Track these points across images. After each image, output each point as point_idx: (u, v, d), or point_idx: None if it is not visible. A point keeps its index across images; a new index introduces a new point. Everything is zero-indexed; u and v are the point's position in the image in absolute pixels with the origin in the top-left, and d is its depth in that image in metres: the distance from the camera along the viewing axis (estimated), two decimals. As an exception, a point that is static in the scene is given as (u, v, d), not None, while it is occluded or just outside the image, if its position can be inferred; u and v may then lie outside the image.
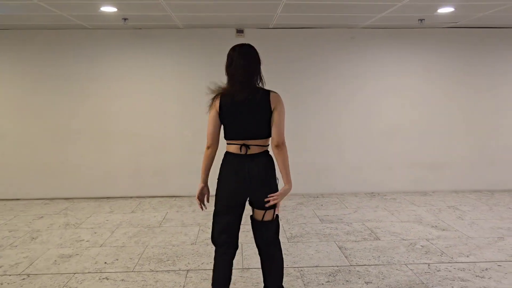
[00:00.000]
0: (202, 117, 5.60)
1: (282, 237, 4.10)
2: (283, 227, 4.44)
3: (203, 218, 4.78)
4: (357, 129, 5.90)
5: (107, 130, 5.70)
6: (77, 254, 3.70)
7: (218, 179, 2.55)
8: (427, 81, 5.88)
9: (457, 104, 5.93)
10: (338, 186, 5.97)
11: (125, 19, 4.85)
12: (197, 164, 5.77)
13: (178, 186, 5.84)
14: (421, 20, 5.08)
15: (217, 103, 2.46)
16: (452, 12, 4.70)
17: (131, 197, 5.79)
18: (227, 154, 2.52)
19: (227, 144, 2.51)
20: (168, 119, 5.76)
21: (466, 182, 6.05)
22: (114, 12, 4.49)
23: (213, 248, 2.61)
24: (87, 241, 4.05)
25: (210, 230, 4.38)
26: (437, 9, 4.55)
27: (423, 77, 5.87)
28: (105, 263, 3.51)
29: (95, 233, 4.29)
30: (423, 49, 5.83)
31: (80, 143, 5.70)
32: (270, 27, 5.58)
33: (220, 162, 2.55)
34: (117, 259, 3.58)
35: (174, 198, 5.74)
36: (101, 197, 5.77)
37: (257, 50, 2.54)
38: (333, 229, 4.39)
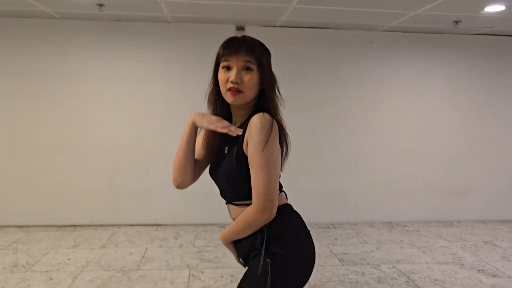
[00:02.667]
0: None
1: None
2: (296, 271, 3.50)
3: (193, 257, 3.80)
4: (373, 149, 5.05)
5: (75, 142, 4.65)
6: (21, 317, 2.66)
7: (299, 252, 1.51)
8: (454, 94, 5.10)
9: (487, 122, 5.17)
10: (350, 214, 5.08)
11: (100, 5, 3.89)
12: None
13: (161, 212, 4.82)
14: (456, 22, 4.31)
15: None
16: (499, 13, 3.94)
17: (102, 226, 4.73)
18: (291, 210, 1.60)
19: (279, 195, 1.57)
20: (152, 130, 4.76)
21: (494, 211, 5.27)
22: (87, -7, 3.53)
23: None
24: (38, 293, 3.01)
25: (203, 276, 3.43)
26: (484, 7, 3.78)
27: (450, 90, 5.09)
28: (60, 333, 2.49)
29: (51, 279, 3.24)
30: (451, 59, 5.06)
31: (40, 157, 4.62)
32: (277, 25, 4.71)
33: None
34: (77, 326, 2.56)
35: (155, 228, 4.71)
36: (64, 225, 4.69)
37: None
38: (360, 274, 3.48)
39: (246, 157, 1.44)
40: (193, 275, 3.40)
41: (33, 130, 4.60)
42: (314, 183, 5.00)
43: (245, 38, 1.53)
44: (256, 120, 1.40)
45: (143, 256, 3.81)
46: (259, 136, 1.38)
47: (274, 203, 1.41)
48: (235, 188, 1.52)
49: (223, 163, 1.53)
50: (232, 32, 4.76)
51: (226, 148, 1.54)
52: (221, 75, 1.49)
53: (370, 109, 5.01)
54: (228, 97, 1.49)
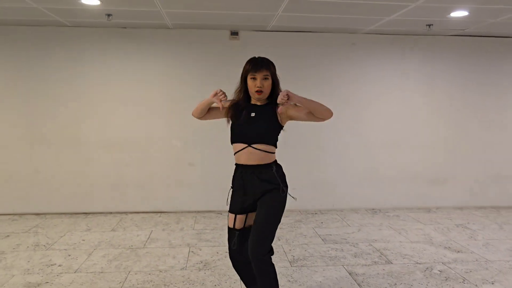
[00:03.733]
0: (193, 125, 5.17)
1: (283, 261, 3.66)
2: (282, 248, 3.98)
3: (193, 238, 4.29)
4: (357, 141, 5.52)
5: (85, 137, 5.16)
6: (46, 282, 3.15)
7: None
8: (431, 91, 5.56)
9: (462, 117, 5.62)
10: (337, 201, 5.55)
11: (108, 15, 4.37)
12: (185, 177, 5.31)
13: (164, 201, 5.32)
14: (429, 25, 4.76)
15: None
16: (464, 17, 4.39)
17: (111, 213, 5.23)
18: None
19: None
20: (155, 127, 5.26)
21: (471, 198, 5.72)
22: (97, 6, 4.01)
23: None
24: (59, 265, 3.50)
25: (201, 252, 3.91)
26: (450, 12, 4.23)
27: (427, 86, 5.55)
28: (80, 294, 2.98)
29: (69, 256, 3.74)
30: (428, 57, 5.52)
31: (54, 151, 5.13)
32: (267, 29, 5.18)
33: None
34: (94, 289, 3.06)
35: (159, 215, 5.21)
36: (77, 212, 5.20)
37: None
38: (339, 250, 3.95)
39: (277, 122, 2.50)
40: (192, 251, 3.89)
41: (49, 127, 5.10)
42: (304, 173, 5.46)
43: (262, 60, 2.47)
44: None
45: (149, 237, 4.31)
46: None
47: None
48: (264, 139, 2.44)
49: (256, 122, 2.46)
50: (226, 37, 5.24)
51: (253, 113, 2.47)
52: (250, 82, 2.44)
53: (354, 104, 5.47)
54: (256, 95, 2.45)
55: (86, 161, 5.18)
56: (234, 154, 2.49)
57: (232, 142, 2.51)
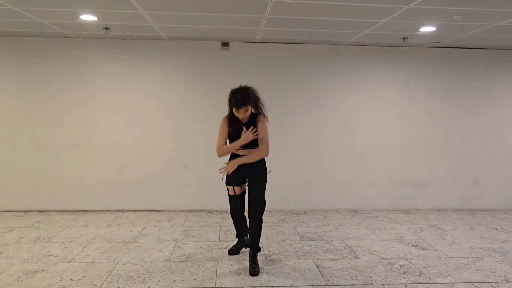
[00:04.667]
0: (186, 129, 5.56)
1: (259, 255, 4.01)
2: (261, 243, 4.34)
3: (181, 234, 4.66)
4: (340, 146, 5.86)
5: (86, 140, 5.58)
6: (43, 270, 3.55)
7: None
8: (410, 99, 5.88)
9: (440, 123, 5.93)
10: (321, 202, 5.89)
11: (106, 29, 4.79)
12: (178, 178, 5.71)
13: (158, 200, 5.71)
14: (404, 38, 5.10)
15: None
16: (434, 32, 4.72)
17: (109, 211, 5.64)
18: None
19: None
20: (150, 131, 5.66)
21: (449, 201, 6.02)
22: (95, 21, 4.43)
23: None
24: (55, 256, 3.90)
25: (186, 246, 4.28)
26: (419, 28, 4.56)
27: (406, 95, 5.88)
28: (71, 279, 3.36)
29: (66, 248, 4.14)
30: (407, 68, 5.85)
31: (57, 153, 5.56)
32: (255, 41, 5.55)
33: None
34: (84, 276, 3.44)
35: (153, 213, 5.60)
36: (77, 210, 5.62)
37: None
38: (313, 246, 4.29)
39: (256, 132, 3.52)
40: (178, 246, 4.26)
41: (52, 130, 5.53)
42: (290, 175, 5.82)
43: (242, 99, 3.39)
44: (261, 117, 3.59)
45: (140, 232, 4.69)
46: (265, 124, 3.56)
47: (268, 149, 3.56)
48: (253, 143, 3.52)
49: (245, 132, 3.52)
50: (218, 48, 5.63)
51: (244, 128, 3.50)
52: (235, 112, 3.46)
53: (337, 112, 5.82)
54: (240, 118, 3.54)
55: (87, 162, 5.59)
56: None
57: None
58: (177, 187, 5.71)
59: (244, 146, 3.54)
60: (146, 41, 5.55)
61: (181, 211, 5.70)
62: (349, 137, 5.86)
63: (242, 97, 3.37)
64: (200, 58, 5.64)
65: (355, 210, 5.89)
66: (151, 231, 4.76)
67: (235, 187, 3.72)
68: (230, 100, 3.44)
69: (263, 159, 3.62)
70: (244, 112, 3.41)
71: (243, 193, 3.79)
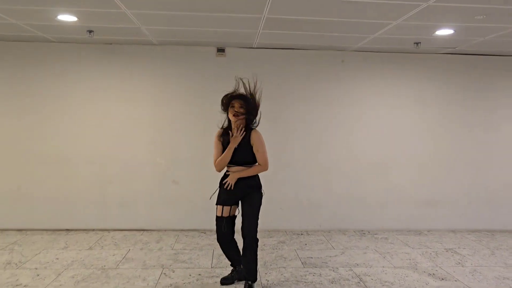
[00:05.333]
0: (177, 142, 5.11)
1: (256, 285, 3.52)
2: (258, 271, 3.85)
3: (169, 258, 4.18)
4: (346, 161, 5.39)
5: (69, 154, 5.12)
6: (6, 305, 3.07)
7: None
8: (422, 111, 5.43)
9: (454, 137, 5.47)
10: (324, 222, 5.40)
11: (90, 32, 4.37)
12: (169, 195, 5.22)
13: (147, 219, 5.23)
14: (417, 43, 4.67)
15: None
16: (451, 35, 4.29)
17: (93, 230, 5.16)
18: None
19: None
20: (138, 144, 5.20)
21: (464, 221, 5.53)
22: (75, 22, 4.01)
23: None
24: (24, 286, 3.42)
25: (174, 274, 3.79)
26: (435, 31, 4.13)
27: (418, 106, 5.43)
28: (37, 318, 2.89)
29: (38, 275, 3.66)
30: (419, 76, 5.41)
31: (38, 167, 5.10)
32: (253, 46, 5.13)
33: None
34: (52, 313, 2.96)
35: (141, 232, 5.12)
36: (59, 229, 5.14)
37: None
38: (317, 275, 3.80)
39: (251, 149, 3.28)
40: (164, 273, 3.78)
41: (32, 143, 5.08)
42: (290, 193, 5.34)
43: (238, 92, 3.30)
44: (256, 133, 3.32)
45: (124, 256, 4.21)
46: (260, 139, 3.30)
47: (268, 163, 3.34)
48: (246, 160, 3.29)
49: (241, 151, 3.27)
50: (213, 54, 5.20)
51: (230, 133, 3.28)
52: (230, 110, 3.26)
53: (342, 124, 5.36)
54: (233, 119, 3.27)
55: (69, 177, 5.13)
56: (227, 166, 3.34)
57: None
58: (167, 205, 5.24)
59: (236, 163, 3.30)
60: (135, 46, 5.13)
61: (172, 230, 5.22)
62: (355, 151, 5.40)
63: (239, 92, 3.29)
64: (193, 65, 5.21)
65: (362, 231, 5.40)
66: (136, 255, 4.28)
67: (225, 208, 3.33)
68: (224, 96, 3.31)
69: (259, 178, 3.39)
70: (239, 108, 3.21)
71: (232, 217, 3.38)
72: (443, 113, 5.45)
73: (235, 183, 3.29)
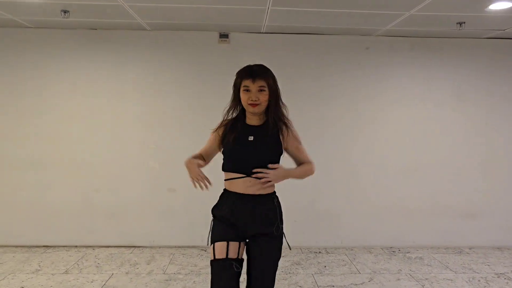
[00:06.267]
0: (173, 143, 4.34)
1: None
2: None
3: (158, 287, 3.41)
4: (371, 165, 4.57)
5: (49, 157, 4.39)
6: None
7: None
8: (461, 107, 4.58)
9: (499, 138, 4.61)
10: (346, 238, 4.59)
11: (65, 12, 3.63)
12: (164, 206, 4.44)
13: (138, 233, 4.48)
14: (460, 23, 3.83)
15: None
16: (507, 11, 3.44)
17: (75, 247, 4.42)
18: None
19: None
20: (129, 146, 4.45)
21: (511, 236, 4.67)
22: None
23: None
24: (-32, 329, 2.69)
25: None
26: (488, 4, 3.29)
27: (456, 102, 4.57)
28: None
29: (-10, 312, 2.93)
30: (458, 66, 4.55)
31: (12, 173, 4.39)
32: (261, 31, 4.34)
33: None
34: None
35: (131, 250, 4.37)
36: (36, 245, 4.42)
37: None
38: (341, 313, 3.01)
39: (279, 145, 2.13)
40: (150, 309, 3.02)
41: (5, 145, 4.38)
42: (307, 203, 4.56)
43: (258, 67, 2.12)
44: (291, 128, 2.22)
45: (104, 285, 3.46)
46: (298, 136, 2.25)
47: None
48: (264, 166, 2.04)
49: (256, 147, 2.08)
50: (215, 40, 4.43)
51: (251, 137, 2.09)
52: (243, 95, 2.07)
53: (366, 121, 4.55)
54: (250, 108, 2.08)
55: (48, 185, 4.41)
56: (225, 180, 2.15)
57: (226, 170, 2.14)
58: (162, 217, 4.48)
59: (241, 171, 2.06)
60: (124, 32, 4.38)
61: (167, 247, 4.46)
62: (381, 154, 4.57)
63: (260, 67, 2.14)
64: (192, 54, 4.45)
65: (391, 248, 4.57)
66: (119, 282, 3.52)
67: (231, 245, 2.01)
68: (236, 76, 2.14)
69: (280, 205, 2.16)
70: (257, 93, 2.04)
71: (240, 261, 2.05)
72: (487, 110, 4.59)
73: (242, 210, 2.06)
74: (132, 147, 4.45)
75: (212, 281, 1.99)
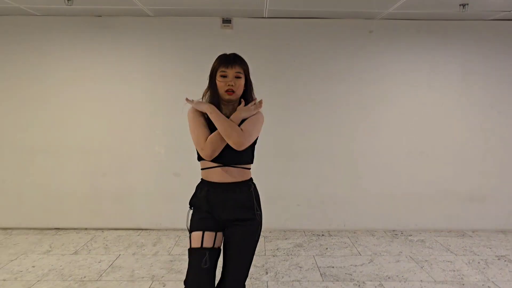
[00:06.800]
0: (178, 128, 4.42)
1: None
2: (267, 285, 3.16)
3: (163, 267, 3.54)
4: (375, 150, 4.59)
5: (57, 143, 4.52)
6: (-51, 333, 2.50)
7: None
8: (467, 90, 4.54)
9: (506, 120, 4.57)
10: (349, 221, 4.65)
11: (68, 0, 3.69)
12: (169, 189, 4.55)
13: (145, 216, 4.61)
14: (463, 5, 3.78)
15: None
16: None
17: (85, 229, 4.58)
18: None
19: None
20: (135, 130, 4.55)
21: (517, 220, 4.66)
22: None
23: None
24: (-18, 305, 2.85)
25: (162, 291, 3.18)
26: (490, -15, 3.25)
27: (462, 85, 4.54)
28: None
29: (3, 290, 3.09)
30: (464, 49, 4.50)
31: (23, 159, 4.53)
32: (264, 15, 4.35)
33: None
34: None
35: (138, 232, 4.51)
36: (47, 228, 4.58)
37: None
38: (338, 293, 3.09)
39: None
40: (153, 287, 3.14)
41: (15, 132, 4.51)
42: (311, 187, 4.60)
43: (234, 55, 2.12)
44: (261, 114, 2.15)
45: (111, 264, 3.59)
46: (259, 116, 2.14)
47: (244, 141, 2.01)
48: (244, 155, 2.09)
49: None
50: (218, 25, 4.45)
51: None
52: (220, 81, 2.06)
53: (370, 106, 4.55)
54: (226, 96, 2.06)
55: (58, 169, 4.54)
56: (202, 169, 2.14)
57: (201, 159, 2.12)
58: (168, 201, 4.59)
59: (218, 160, 2.06)
60: (128, 19, 4.44)
61: (173, 230, 4.59)
62: (385, 138, 4.59)
63: (235, 55, 2.14)
64: (195, 39, 4.48)
65: (394, 231, 4.62)
66: (126, 262, 3.66)
67: (206, 234, 2.04)
68: (213, 63, 2.13)
69: (257, 191, 2.17)
70: (234, 79, 2.05)
71: (217, 252, 2.05)
72: (493, 94, 4.55)
73: (217, 199, 2.06)
74: (138, 132, 4.55)
75: (188, 269, 2.03)
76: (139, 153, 4.57)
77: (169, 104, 4.53)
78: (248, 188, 2.11)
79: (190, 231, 2.09)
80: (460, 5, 3.78)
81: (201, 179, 2.16)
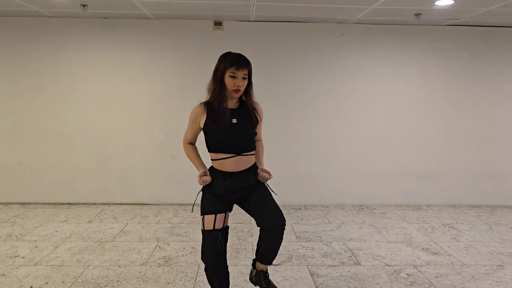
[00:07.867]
0: (174, 117, 5.11)
1: (247, 258, 3.56)
2: (252, 245, 3.89)
3: (165, 231, 4.25)
4: (345, 135, 5.34)
5: (69, 129, 5.17)
6: (3, 275, 3.17)
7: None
8: (424, 84, 5.31)
9: (457, 110, 5.36)
10: (323, 197, 5.41)
11: (84, 6, 4.32)
12: (167, 169, 5.26)
13: (146, 193, 5.30)
14: (417, 15, 4.52)
15: None
16: (451, 6, 4.14)
17: (94, 204, 5.25)
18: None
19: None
20: (137, 118, 5.22)
21: (465, 196, 5.47)
22: (66, -4, 3.96)
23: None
24: (22, 257, 3.52)
25: (168, 247, 3.86)
26: (435, 1, 3.98)
27: (421, 80, 5.30)
28: (31, 287, 2.97)
29: (36, 247, 3.76)
30: (420, 49, 5.26)
31: (39, 143, 5.17)
32: (251, 19, 5.03)
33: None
34: (46, 283, 3.04)
35: (141, 207, 5.20)
36: (61, 203, 5.24)
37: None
38: (309, 249, 3.84)
39: (255, 125, 2.50)
40: (159, 246, 3.85)
41: (33, 119, 5.13)
42: (289, 167, 5.34)
43: (244, 58, 2.37)
44: (260, 107, 2.56)
45: (122, 230, 4.29)
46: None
47: None
48: (251, 143, 2.46)
49: (240, 128, 2.41)
50: (210, 27, 5.12)
51: (235, 119, 2.39)
52: (229, 80, 2.33)
53: (342, 98, 5.28)
54: (233, 94, 2.36)
55: (69, 153, 5.19)
56: (214, 160, 2.42)
57: (214, 151, 2.41)
58: (166, 179, 5.29)
59: (236, 149, 2.39)
60: (132, 21, 5.07)
61: (171, 205, 5.29)
62: (355, 125, 5.34)
63: (244, 57, 2.38)
64: (190, 39, 5.14)
65: (360, 206, 5.40)
66: (133, 228, 4.36)
67: (218, 217, 2.39)
68: (221, 62, 2.37)
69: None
70: (241, 80, 2.33)
71: (226, 230, 2.48)
72: (447, 87, 5.33)
73: (233, 187, 2.39)
74: (140, 120, 5.21)
75: (202, 247, 2.45)
76: (141, 138, 5.24)
77: (167, 96, 5.19)
78: (255, 171, 2.49)
79: (203, 213, 2.40)
80: (415, 14, 4.52)
81: (212, 167, 2.44)
